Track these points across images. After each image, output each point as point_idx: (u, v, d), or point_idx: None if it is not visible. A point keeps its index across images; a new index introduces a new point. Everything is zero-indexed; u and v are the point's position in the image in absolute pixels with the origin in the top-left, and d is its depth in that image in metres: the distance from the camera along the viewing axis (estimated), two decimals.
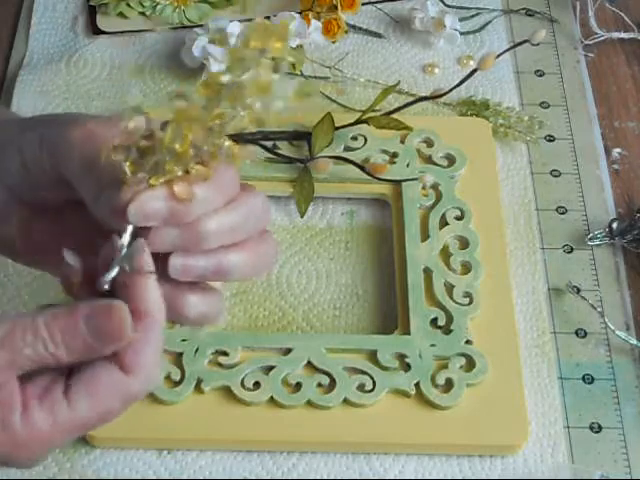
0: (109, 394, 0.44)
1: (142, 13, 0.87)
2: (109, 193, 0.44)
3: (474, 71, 0.74)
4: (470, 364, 0.65)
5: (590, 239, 0.73)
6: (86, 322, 0.43)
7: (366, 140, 0.75)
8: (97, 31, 0.86)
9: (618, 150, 0.80)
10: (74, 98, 0.82)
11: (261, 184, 0.71)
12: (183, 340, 0.65)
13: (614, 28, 0.87)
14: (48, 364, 0.44)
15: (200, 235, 0.45)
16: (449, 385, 0.64)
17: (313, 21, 0.83)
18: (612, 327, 0.68)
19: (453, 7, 0.88)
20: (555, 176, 0.78)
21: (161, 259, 0.45)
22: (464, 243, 0.71)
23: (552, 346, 0.68)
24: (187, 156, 0.43)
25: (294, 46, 0.81)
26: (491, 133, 0.78)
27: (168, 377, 0.64)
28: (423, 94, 0.79)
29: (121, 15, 0.87)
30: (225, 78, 0.41)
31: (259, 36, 0.41)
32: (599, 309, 0.69)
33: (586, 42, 0.86)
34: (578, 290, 0.71)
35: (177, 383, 0.63)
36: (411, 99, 0.78)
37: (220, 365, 0.64)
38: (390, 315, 0.69)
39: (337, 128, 0.75)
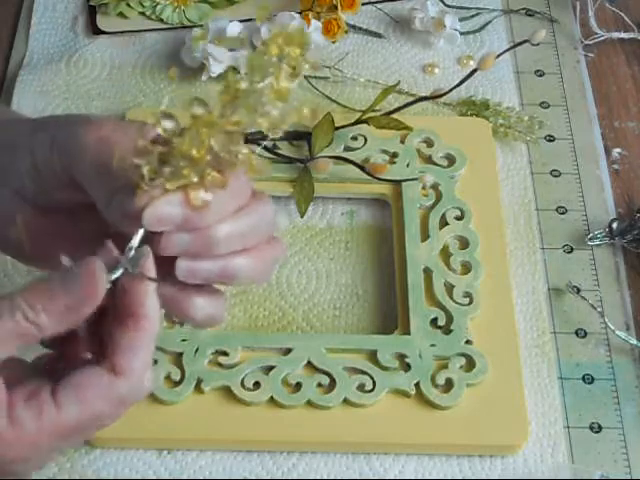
0: (97, 396, 0.44)
1: (142, 13, 0.87)
2: (121, 197, 0.44)
3: (474, 71, 0.74)
4: (470, 364, 0.65)
5: (590, 239, 0.73)
6: (62, 284, 0.43)
7: (366, 140, 0.75)
8: (97, 31, 0.86)
9: (618, 150, 0.80)
10: (74, 98, 0.82)
11: (261, 184, 0.71)
12: (183, 340, 0.65)
13: (614, 28, 0.87)
14: (33, 337, 0.43)
15: (211, 241, 0.45)
16: (449, 385, 0.64)
17: (313, 21, 0.83)
18: (612, 327, 0.68)
19: (453, 7, 0.88)
20: (555, 176, 0.78)
21: (168, 261, 0.45)
22: (464, 243, 0.71)
23: (552, 346, 0.68)
24: (203, 162, 0.43)
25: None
26: (491, 133, 0.78)
27: (168, 377, 0.64)
28: (423, 94, 0.79)
29: (121, 15, 0.87)
30: (244, 84, 0.42)
31: (278, 43, 0.41)
32: (599, 309, 0.69)
33: (586, 42, 0.86)
34: (578, 290, 0.71)
35: (177, 383, 0.63)
36: (411, 99, 0.78)
37: (220, 365, 0.64)
38: (390, 315, 0.69)
39: (337, 128, 0.75)
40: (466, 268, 0.69)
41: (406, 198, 0.72)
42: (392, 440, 0.63)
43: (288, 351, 0.65)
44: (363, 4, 0.87)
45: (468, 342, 0.66)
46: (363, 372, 0.64)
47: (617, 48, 0.87)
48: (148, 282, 0.44)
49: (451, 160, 0.75)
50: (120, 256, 0.44)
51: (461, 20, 0.86)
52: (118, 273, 0.44)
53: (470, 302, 0.67)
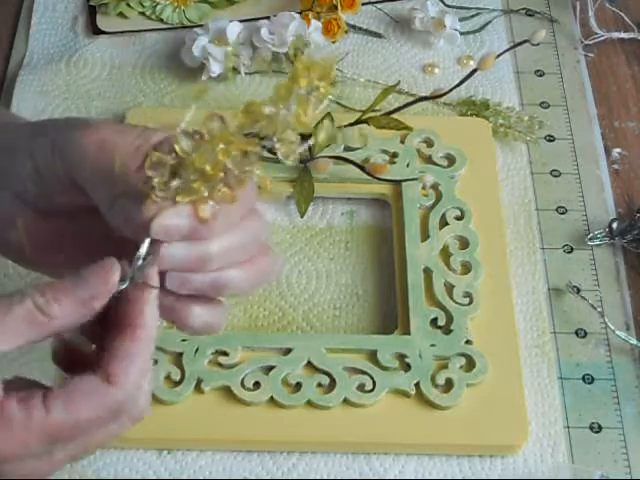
0: (88, 402, 0.44)
1: (142, 13, 0.87)
2: (124, 202, 0.44)
3: (474, 71, 0.74)
4: (470, 364, 0.65)
5: (590, 239, 0.73)
6: (74, 278, 0.44)
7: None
8: (97, 31, 0.86)
9: (618, 150, 0.80)
10: (74, 98, 0.82)
11: None
12: (183, 340, 0.65)
13: (614, 28, 0.87)
14: (43, 327, 0.43)
15: (204, 257, 0.45)
16: (449, 385, 0.64)
17: (313, 21, 0.83)
18: (612, 327, 0.68)
19: (453, 7, 0.88)
20: (555, 176, 0.78)
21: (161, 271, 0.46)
22: (464, 243, 0.71)
23: (552, 346, 0.68)
24: (216, 178, 0.43)
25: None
26: (491, 133, 0.78)
27: (168, 377, 0.64)
28: (423, 94, 0.79)
29: (121, 15, 0.87)
30: (268, 110, 0.42)
31: (309, 77, 0.42)
32: (599, 309, 0.69)
33: (586, 42, 0.86)
34: (578, 290, 0.71)
35: (177, 383, 0.63)
36: (411, 99, 0.78)
37: (220, 365, 0.64)
38: (390, 315, 0.69)
39: (337, 128, 0.75)
40: (466, 268, 0.69)
41: (406, 198, 0.72)
42: (392, 440, 0.63)
43: (288, 351, 0.65)
44: (363, 4, 0.87)
45: (468, 342, 0.66)
46: (363, 372, 0.64)
47: (617, 48, 0.87)
48: (150, 290, 0.45)
49: (451, 160, 0.75)
50: (127, 267, 0.45)
51: (461, 20, 0.86)
52: (127, 283, 0.45)
53: (470, 302, 0.67)
